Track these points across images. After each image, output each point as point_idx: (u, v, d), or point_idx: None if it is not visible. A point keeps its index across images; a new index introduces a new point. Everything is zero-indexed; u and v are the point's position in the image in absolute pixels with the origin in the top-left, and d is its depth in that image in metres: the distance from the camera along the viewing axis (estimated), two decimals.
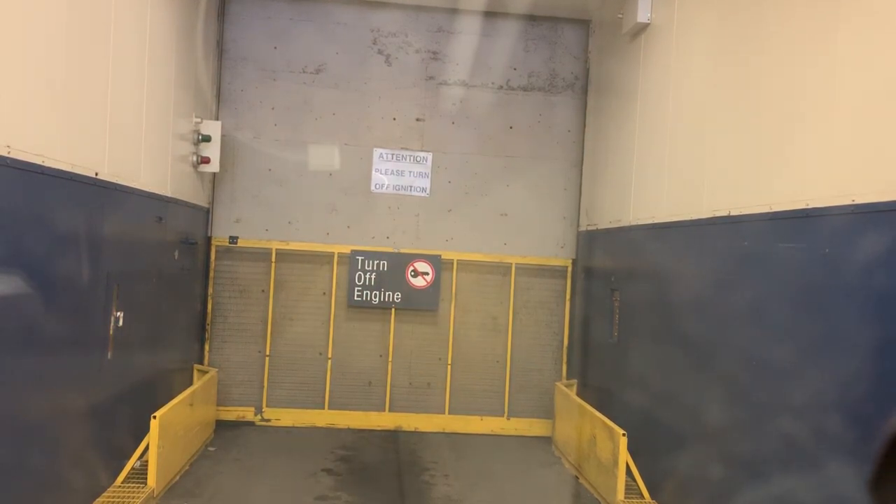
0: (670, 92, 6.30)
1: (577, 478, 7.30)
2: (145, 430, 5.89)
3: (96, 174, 4.98)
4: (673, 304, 5.98)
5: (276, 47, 8.73)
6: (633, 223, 6.88)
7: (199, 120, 7.62)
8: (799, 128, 4.38)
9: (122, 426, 5.93)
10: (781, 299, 4.43)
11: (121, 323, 5.60)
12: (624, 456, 6.01)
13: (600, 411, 6.84)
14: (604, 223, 7.84)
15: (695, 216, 5.57)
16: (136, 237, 6.00)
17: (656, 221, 6.31)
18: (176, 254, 7.15)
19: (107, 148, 5.19)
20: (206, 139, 7.65)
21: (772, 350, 4.49)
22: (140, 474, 5.92)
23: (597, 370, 7.88)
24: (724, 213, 5.14)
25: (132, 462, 5.93)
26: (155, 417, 5.83)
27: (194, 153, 7.60)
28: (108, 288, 5.38)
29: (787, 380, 4.30)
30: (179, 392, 7.01)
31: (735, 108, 5.15)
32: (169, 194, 6.74)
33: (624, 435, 6.04)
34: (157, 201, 6.39)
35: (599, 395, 7.51)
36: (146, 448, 5.93)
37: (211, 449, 7.61)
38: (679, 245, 5.89)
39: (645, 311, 6.57)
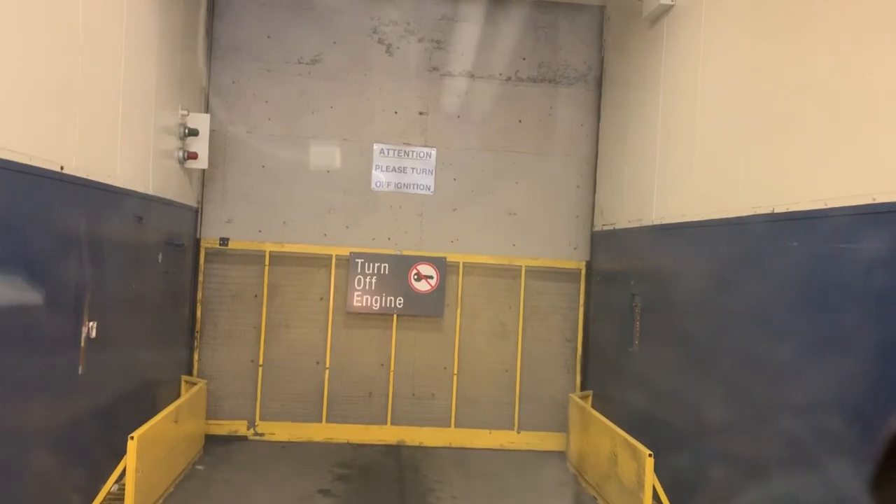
0: (699, 79, 5.74)
1: (595, 499, 6.74)
2: (125, 449, 5.34)
3: (61, 168, 4.42)
4: (705, 312, 5.42)
5: (269, 36, 8.19)
6: (657, 222, 6.32)
7: (185, 112, 7.06)
8: (859, 114, 3.83)
9: (97, 447, 5.36)
10: (842, 307, 3.87)
11: (94, 334, 5.04)
12: (650, 479, 5.45)
13: (619, 427, 6.30)
14: (622, 222, 7.28)
15: (731, 214, 5.01)
16: (112, 239, 5.44)
17: (685, 220, 5.75)
18: (160, 256, 6.59)
19: (76, 140, 4.63)
20: (194, 133, 7.09)
21: (832, 360, 3.93)
22: (117, 499, 5.36)
23: (615, 382, 7.32)
24: (766, 210, 4.58)
25: (108, 487, 5.36)
26: (132, 438, 5.27)
27: (180, 148, 7.05)
28: (77, 296, 4.83)
29: (859, 397, 3.74)
30: (165, 406, 6.47)
31: (779, 94, 4.59)
32: (150, 192, 6.19)
33: (650, 455, 5.49)
34: (136, 199, 5.83)
35: (618, 409, 6.95)
36: (124, 470, 5.37)
37: (199, 468, 7.05)
38: (712, 246, 5.33)
39: (672, 319, 6.01)
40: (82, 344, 4.93)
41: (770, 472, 4.46)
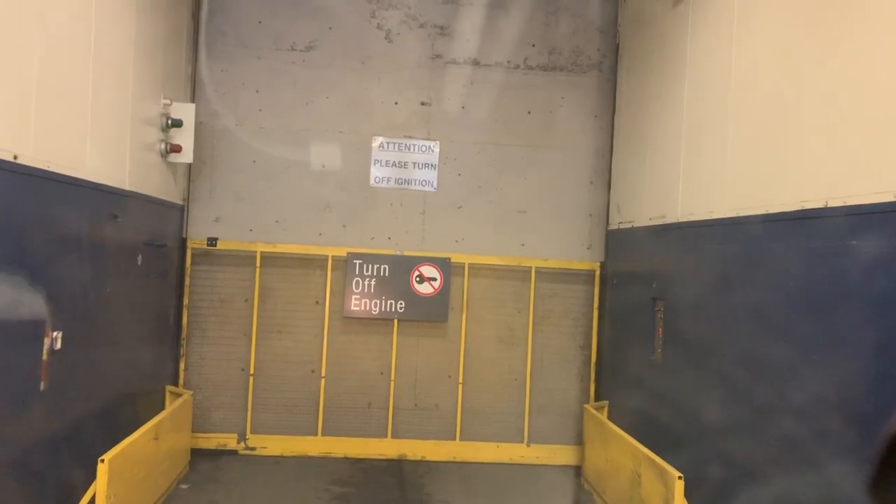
0: (732, 61, 5.19)
1: None
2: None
3: (15, 157, 3.87)
4: (741, 320, 4.86)
5: (260, 21, 7.64)
6: (683, 219, 5.77)
7: (168, 101, 6.51)
8: None
9: (65, 471, 4.81)
10: None
11: (59, 345, 4.49)
12: None
13: (639, 441, 5.78)
14: (642, 220, 6.73)
15: (774, 209, 4.46)
16: (81, 238, 4.88)
17: (717, 217, 5.20)
18: (139, 258, 6.04)
19: (31, 127, 4.07)
20: (177, 124, 6.54)
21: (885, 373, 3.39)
22: None
23: (634, 393, 6.76)
24: (818, 204, 4.03)
25: None
26: (103, 461, 4.72)
27: (163, 140, 6.50)
28: (38, 303, 4.28)
29: None
30: (148, 419, 5.94)
31: (834, 73, 4.04)
32: (127, 187, 5.63)
33: (680, 478, 4.93)
34: (110, 195, 5.28)
35: (637, 423, 6.40)
36: (94, 497, 4.82)
37: (183, 487, 6.51)
38: (750, 245, 4.78)
39: (701, 326, 5.46)
40: (44, 357, 4.38)
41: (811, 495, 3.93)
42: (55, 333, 4.47)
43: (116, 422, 5.62)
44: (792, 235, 4.30)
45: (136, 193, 5.86)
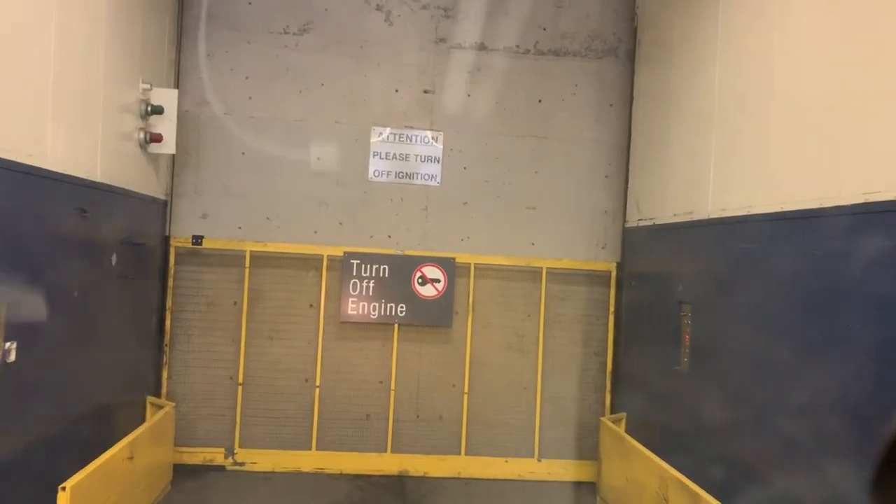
0: (774, 38, 4.63)
1: None
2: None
3: None
4: (785, 329, 4.31)
5: (251, 2, 7.08)
6: (715, 215, 5.21)
7: (147, 86, 5.94)
8: None
9: (21, 501, 4.26)
10: None
11: (12, 357, 3.95)
12: None
13: (662, 458, 5.25)
14: (665, 217, 6.17)
15: (829, 203, 3.90)
16: (40, 235, 4.33)
17: (756, 212, 4.64)
18: (113, 258, 5.48)
19: None
20: (158, 111, 5.98)
21: None
22: None
23: (655, 405, 6.21)
24: (889, 196, 3.47)
25: None
26: (64, 489, 4.17)
27: (142, 129, 5.94)
28: None
29: None
30: (126, 434, 5.41)
31: None
32: (99, 179, 5.07)
33: None
34: (76, 187, 4.72)
35: (659, 437, 5.86)
36: None
37: None
38: (800, 243, 4.22)
39: (736, 334, 4.90)
40: None
41: None
42: (7, 344, 3.92)
43: (87, 440, 5.06)
44: (852, 231, 3.75)
45: (110, 186, 5.30)
